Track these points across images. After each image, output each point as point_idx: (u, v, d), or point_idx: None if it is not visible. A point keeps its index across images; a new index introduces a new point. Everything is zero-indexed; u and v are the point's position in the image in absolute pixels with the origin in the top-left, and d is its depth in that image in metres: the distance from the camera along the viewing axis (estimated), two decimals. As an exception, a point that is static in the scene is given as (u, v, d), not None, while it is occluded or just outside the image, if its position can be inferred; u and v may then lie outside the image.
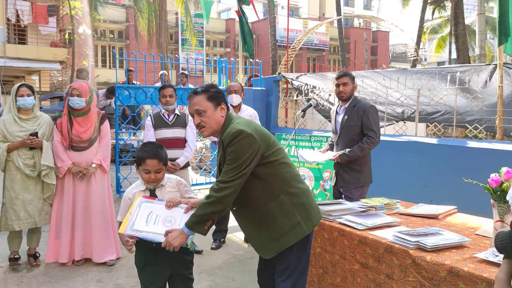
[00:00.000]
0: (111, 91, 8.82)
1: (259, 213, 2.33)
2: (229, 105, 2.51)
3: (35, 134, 3.86)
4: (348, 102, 3.86)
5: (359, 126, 3.76)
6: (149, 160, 2.56)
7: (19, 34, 16.83)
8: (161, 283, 2.60)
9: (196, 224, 2.28)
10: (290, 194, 2.32)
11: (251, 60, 8.32)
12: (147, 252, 2.55)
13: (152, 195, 2.65)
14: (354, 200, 3.36)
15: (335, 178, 3.95)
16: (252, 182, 2.28)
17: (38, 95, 4.38)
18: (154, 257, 2.55)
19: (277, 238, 2.30)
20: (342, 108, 3.90)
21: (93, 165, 4.02)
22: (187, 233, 2.30)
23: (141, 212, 2.49)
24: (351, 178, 3.80)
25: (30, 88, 3.93)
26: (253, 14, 8.82)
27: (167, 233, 2.33)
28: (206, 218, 2.27)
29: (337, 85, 3.87)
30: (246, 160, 2.20)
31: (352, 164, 3.77)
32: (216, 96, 2.35)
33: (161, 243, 2.33)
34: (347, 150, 3.73)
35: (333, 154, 3.83)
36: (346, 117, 3.82)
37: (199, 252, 4.39)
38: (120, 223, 2.57)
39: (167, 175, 2.72)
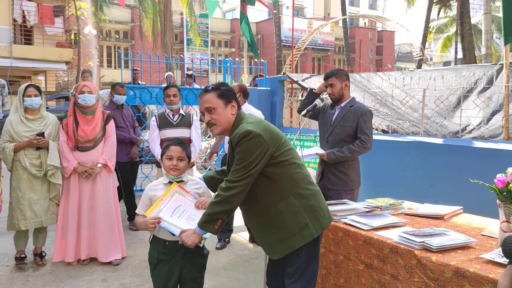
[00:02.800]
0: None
1: (267, 214, 2.32)
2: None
3: (41, 134, 3.88)
4: (345, 101, 3.70)
5: (353, 128, 3.60)
6: (173, 146, 2.57)
7: (25, 34, 16.95)
8: (173, 285, 2.57)
9: (206, 223, 2.28)
10: (299, 195, 2.30)
11: (256, 60, 8.32)
12: (161, 251, 2.54)
13: None
14: None
15: (319, 177, 3.78)
16: (261, 182, 2.27)
17: (45, 95, 4.42)
18: (168, 257, 2.53)
19: (285, 240, 2.29)
20: (338, 106, 3.74)
21: (99, 165, 4.04)
22: (199, 233, 2.31)
23: (171, 203, 2.50)
24: (338, 180, 3.64)
25: (37, 88, 3.96)
26: (258, 14, 8.81)
27: (181, 233, 2.34)
28: (215, 217, 2.26)
29: (326, 86, 3.75)
30: (253, 160, 2.19)
31: (338, 165, 3.62)
32: (226, 94, 2.34)
33: (176, 242, 2.38)
34: (336, 150, 3.60)
35: (320, 151, 3.69)
36: (341, 115, 3.66)
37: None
38: (137, 214, 2.59)
39: (195, 179, 2.69)
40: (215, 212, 2.26)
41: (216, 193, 2.29)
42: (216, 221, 2.27)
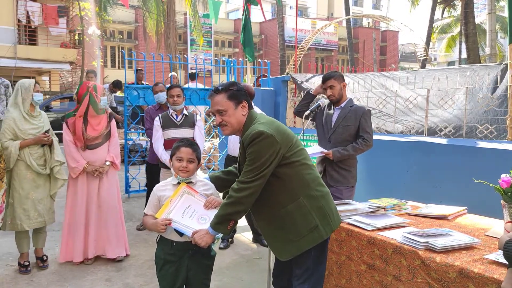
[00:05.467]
0: (116, 84, 9.09)
1: (277, 214, 2.30)
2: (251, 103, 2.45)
3: (47, 131, 3.89)
4: (344, 102, 3.79)
5: (355, 127, 3.71)
6: (183, 148, 2.55)
7: (29, 35, 17.02)
8: (179, 286, 2.55)
9: (219, 224, 2.27)
10: (309, 196, 2.29)
11: (259, 60, 8.32)
12: (168, 252, 2.53)
13: None
14: None
15: (320, 175, 3.84)
16: (272, 182, 2.26)
17: (48, 96, 4.46)
18: (174, 258, 2.52)
19: (294, 241, 2.28)
20: (337, 107, 3.83)
21: (107, 163, 4.08)
22: (211, 234, 2.30)
23: (180, 203, 2.49)
24: (340, 177, 3.73)
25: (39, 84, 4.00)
26: (259, 14, 8.83)
27: (194, 233, 2.34)
28: (227, 218, 2.26)
29: (325, 89, 3.80)
30: (265, 161, 2.18)
31: (340, 163, 3.71)
32: (236, 94, 2.31)
33: (183, 243, 2.41)
34: (340, 148, 3.68)
35: (322, 149, 3.75)
36: (343, 115, 3.75)
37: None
38: (146, 214, 2.58)
39: (204, 180, 2.66)
40: (228, 213, 2.25)
41: (228, 194, 2.27)
42: (228, 222, 2.26)
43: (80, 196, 4.05)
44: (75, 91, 8.71)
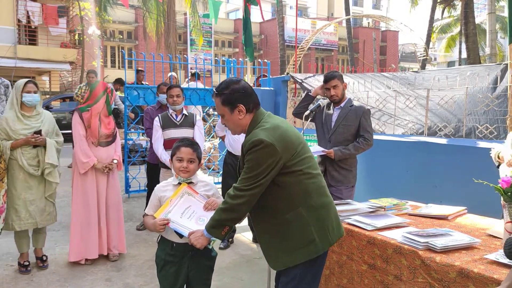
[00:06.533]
0: (118, 81, 9.01)
1: (274, 222, 2.21)
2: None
3: (38, 132, 3.79)
4: (344, 102, 3.81)
5: (356, 127, 3.73)
6: (183, 148, 2.54)
7: (29, 35, 17.03)
8: (179, 287, 2.54)
9: (213, 228, 2.24)
10: (309, 207, 2.16)
11: (259, 60, 8.32)
12: (168, 252, 2.52)
13: None
14: None
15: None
16: (270, 189, 2.16)
17: (48, 96, 4.47)
18: (175, 258, 2.51)
19: (289, 252, 2.17)
20: (337, 107, 3.83)
21: (115, 161, 4.13)
22: (206, 236, 2.26)
23: (180, 203, 2.49)
24: (341, 176, 3.74)
25: (36, 85, 3.91)
26: (259, 14, 8.83)
27: (190, 234, 2.32)
28: (222, 224, 2.22)
29: (327, 89, 3.78)
30: (263, 170, 2.08)
31: (341, 163, 3.72)
32: (230, 99, 2.20)
33: (184, 244, 2.41)
34: (342, 147, 3.69)
35: (322, 149, 3.75)
36: (343, 115, 3.75)
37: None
38: (146, 215, 2.59)
39: (205, 180, 2.63)
40: (222, 219, 2.21)
41: (224, 199, 2.23)
42: (222, 227, 2.22)
43: (90, 193, 4.06)
44: (76, 90, 8.70)
